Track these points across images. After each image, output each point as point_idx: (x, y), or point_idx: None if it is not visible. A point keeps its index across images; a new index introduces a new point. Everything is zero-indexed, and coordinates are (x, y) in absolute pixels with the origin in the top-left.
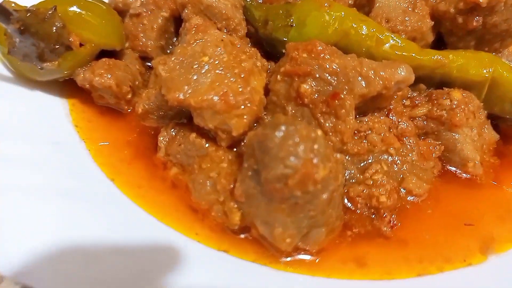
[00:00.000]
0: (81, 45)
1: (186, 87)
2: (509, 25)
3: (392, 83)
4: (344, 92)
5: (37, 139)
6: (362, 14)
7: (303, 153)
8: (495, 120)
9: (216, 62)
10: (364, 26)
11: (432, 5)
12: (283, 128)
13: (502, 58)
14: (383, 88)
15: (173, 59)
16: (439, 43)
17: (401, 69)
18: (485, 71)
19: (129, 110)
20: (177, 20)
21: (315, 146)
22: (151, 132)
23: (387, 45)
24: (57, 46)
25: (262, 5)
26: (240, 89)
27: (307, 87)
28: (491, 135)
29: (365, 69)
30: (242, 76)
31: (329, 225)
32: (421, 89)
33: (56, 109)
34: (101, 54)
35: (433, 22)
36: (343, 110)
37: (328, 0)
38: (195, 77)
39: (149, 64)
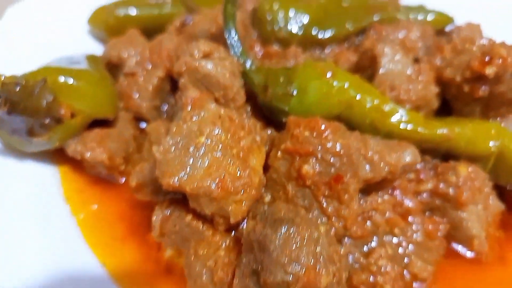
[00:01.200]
0: (72, 115)
1: (181, 172)
2: None
3: (398, 168)
4: (348, 176)
5: (26, 216)
6: (365, 83)
7: (305, 259)
8: (499, 189)
9: (213, 142)
10: (368, 98)
11: (437, 69)
12: (283, 229)
13: (508, 123)
14: (389, 174)
15: (168, 139)
16: (444, 106)
17: (407, 153)
18: (491, 144)
19: (122, 180)
20: (173, 79)
21: (318, 249)
22: (145, 205)
23: (392, 118)
24: (47, 121)
25: (261, 69)
26: (239, 173)
27: (309, 168)
28: (496, 206)
29: (370, 153)
30: (241, 155)
31: None
32: (426, 161)
33: (47, 179)
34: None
35: (438, 89)
36: (347, 195)
37: (330, 68)
38: (191, 161)
39: (144, 125)
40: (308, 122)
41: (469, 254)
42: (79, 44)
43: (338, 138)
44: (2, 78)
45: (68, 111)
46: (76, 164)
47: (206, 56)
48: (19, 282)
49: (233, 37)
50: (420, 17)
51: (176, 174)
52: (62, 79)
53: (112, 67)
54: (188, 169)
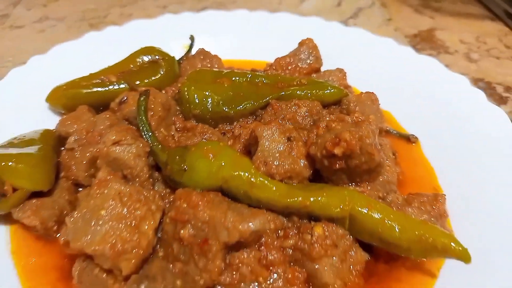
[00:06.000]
0: (14, 190)
1: (84, 237)
2: (369, 165)
3: (247, 234)
4: (212, 239)
5: None
6: (242, 159)
7: None
8: None
9: (111, 215)
10: (241, 173)
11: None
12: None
13: (374, 187)
14: (240, 238)
15: (77, 211)
16: (318, 175)
17: (252, 223)
18: (342, 207)
19: (58, 236)
20: None
21: None
22: (74, 257)
23: (259, 189)
24: None
25: (165, 149)
26: (129, 238)
27: (185, 232)
28: (358, 257)
29: (227, 222)
30: (133, 223)
31: None
32: (294, 221)
33: None
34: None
35: (306, 163)
36: (211, 254)
37: (212, 151)
38: (92, 229)
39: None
40: (186, 196)
41: None
42: (41, 119)
43: (207, 210)
44: None
45: (10, 188)
46: (25, 224)
47: (116, 143)
48: None
49: (143, 124)
50: (315, 92)
51: (80, 240)
52: (6, 163)
53: (62, 139)
54: (89, 236)
